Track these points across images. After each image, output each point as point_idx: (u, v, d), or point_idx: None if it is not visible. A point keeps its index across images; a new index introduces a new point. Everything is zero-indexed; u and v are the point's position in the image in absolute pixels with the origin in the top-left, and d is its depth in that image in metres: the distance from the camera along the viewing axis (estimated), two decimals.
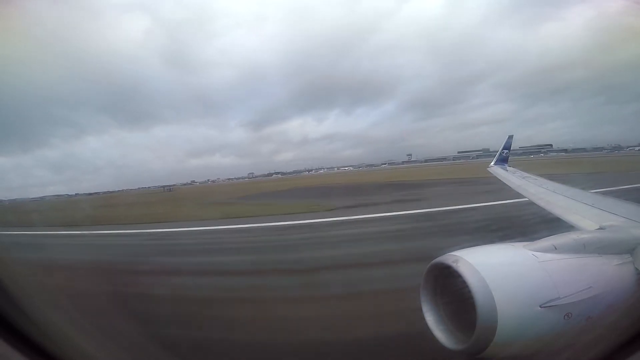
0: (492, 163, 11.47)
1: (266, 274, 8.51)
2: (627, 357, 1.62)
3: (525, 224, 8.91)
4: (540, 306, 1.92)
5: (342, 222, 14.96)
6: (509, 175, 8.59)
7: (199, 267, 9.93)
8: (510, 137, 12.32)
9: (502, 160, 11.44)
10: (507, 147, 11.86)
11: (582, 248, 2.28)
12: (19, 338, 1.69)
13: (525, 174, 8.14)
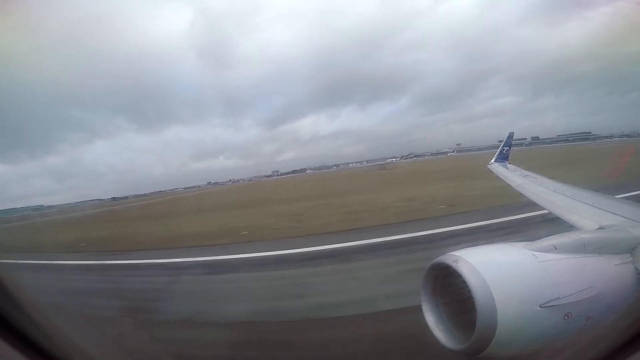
0: (493, 160, 11.39)
1: None
2: (627, 357, 1.62)
3: None
4: (540, 306, 1.92)
5: None
6: (510, 173, 8.56)
7: None
8: (511, 134, 12.27)
9: (503, 158, 11.39)
10: (507, 144, 11.81)
11: (582, 248, 2.28)
12: (19, 338, 1.69)
13: (526, 172, 8.11)
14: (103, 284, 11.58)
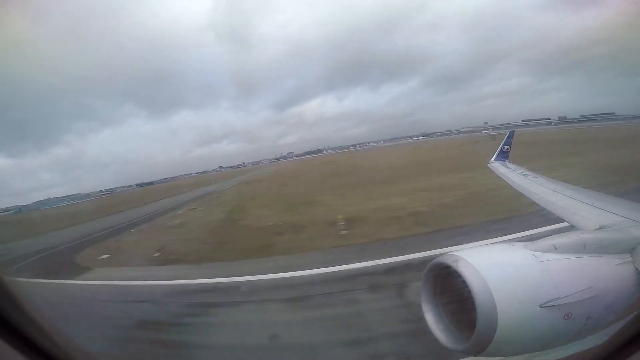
0: (493, 159, 11.35)
1: None
2: (627, 357, 1.62)
3: None
4: (540, 306, 1.92)
5: None
6: (510, 173, 8.54)
7: None
8: (512, 132, 12.24)
9: (503, 156, 11.34)
10: (507, 143, 11.76)
11: (582, 248, 2.28)
12: (19, 338, 1.69)
13: (526, 172, 8.11)
14: None
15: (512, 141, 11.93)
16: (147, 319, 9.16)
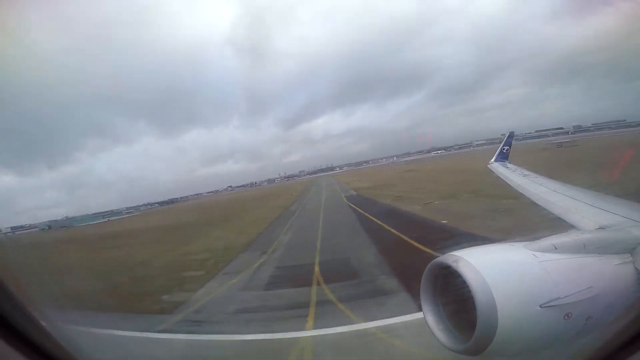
0: (493, 160, 11.33)
1: None
2: (627, 357, 1.62)
3: None
4: (540, 306, 1.92)
5: None
6: (510, 173, 8.54)
7: None
8: (512, 133, 12.22)
9: (503, 157, 11.32)
10: (507, 143, 11.74)
11: (582, 248, 2.28)
12: (19, 338, 1.69)
13: (526, 172, 8.10)
14: None
15: (512, 141, 11.94)
16: None
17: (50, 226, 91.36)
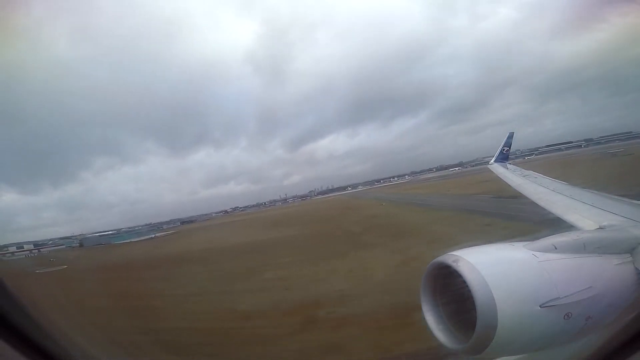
0: (492, 160, 11.30)
1: None
2: (627, 357, 1.62)
3: None
4: (540, 306, 1.92)
5: None
6: (510, 174, 8.53)
7: None
8: (511, 134, 12.21)
9: (503, 158, 11.30)
10: (507, 144, 11.72)
11: (582, 248, 2.28)
12: (19, 338, 1.69)
13: (526, 172, 8.08)
14: None
15: (511, 142, 11.92)
16: None
17: (82, 243, 77.04)
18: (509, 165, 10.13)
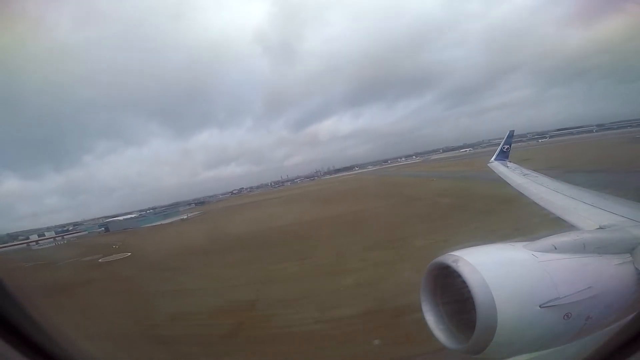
0: (493, 159, 11.23)
1: None
2: (627, 357, 1.62)
3: None
4: (540, 306, 1.92)
5: None
6: (510, 173, 8.50)
7: None
8: (512, 132, 12.16)
9: (503, 156, 11.23)
10: (508, 142, 11.67)
11: (582, 248, 2.28)
12: (19, 338, 1.70)
13: (526, 171, 8.06)
14: None
15: (512, 141, 11.88)
16: None
17: (108, 227, 73.71)
18: (509, 164, 10.07)
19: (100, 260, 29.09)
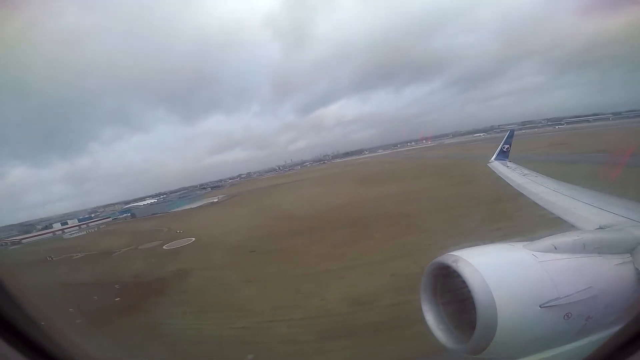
0: (493, 158, 11.18)
1: None
2: (627, 357, 1.62)
3: None
4: (540, 306, 1.92)
5: None
6: (510, 173, 8.47)
7: None
8: (512, 132, 12.13)
9: (503, 156, 11.18)
10: (508, 142, 11.63)
11: (582, 248, 2.28)
12: (19, 338, 1.69)
13: (526, 171, 8.04)
14: None
15: (512, 141, 11.84)
16: None
17: (135, 214, 71.38)
18: (509, 164, 10.02)
19: (165, 247, 26.13)
